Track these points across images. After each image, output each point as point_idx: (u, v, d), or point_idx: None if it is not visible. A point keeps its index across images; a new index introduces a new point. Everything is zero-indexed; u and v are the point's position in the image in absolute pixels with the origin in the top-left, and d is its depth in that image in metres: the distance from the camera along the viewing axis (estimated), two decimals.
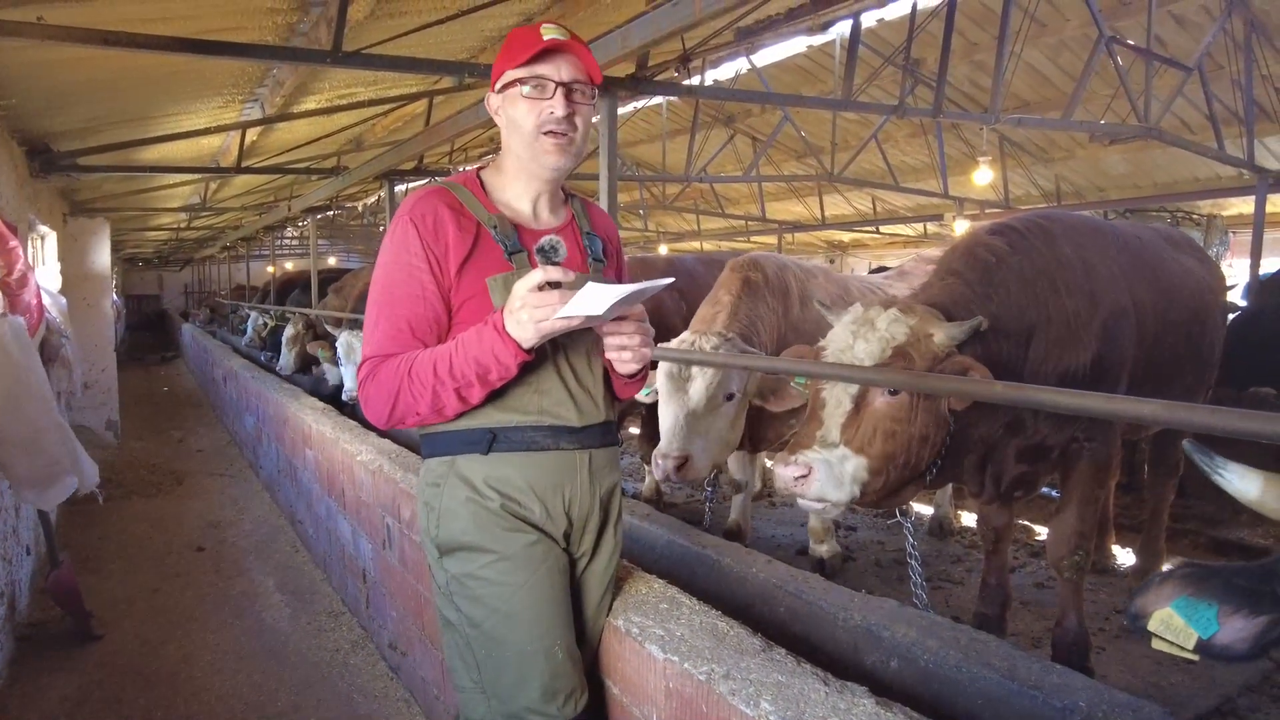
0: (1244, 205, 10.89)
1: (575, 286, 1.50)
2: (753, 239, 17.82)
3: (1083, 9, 6.70)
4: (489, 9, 4.34)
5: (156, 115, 6.06)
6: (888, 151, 11.20)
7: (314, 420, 4.74)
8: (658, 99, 11.42)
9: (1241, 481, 1.26)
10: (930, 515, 5.11)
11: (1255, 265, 7.85)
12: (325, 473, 4.44)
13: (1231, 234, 11.78)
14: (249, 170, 7.72)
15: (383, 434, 3.84)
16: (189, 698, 3.34)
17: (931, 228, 14.68)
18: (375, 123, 7.96)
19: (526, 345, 1.54)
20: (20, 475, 3.29)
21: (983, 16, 8.65)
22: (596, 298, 1.45)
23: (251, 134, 6.96)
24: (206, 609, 4.25)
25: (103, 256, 8.38)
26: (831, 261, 18.62)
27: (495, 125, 1.80)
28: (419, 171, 7.67)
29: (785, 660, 1.68)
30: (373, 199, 16.29)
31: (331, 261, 22.08)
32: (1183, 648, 1.19)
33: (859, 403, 2.46)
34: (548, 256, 1.78)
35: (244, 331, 12.69)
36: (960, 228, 11.35)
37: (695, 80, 7.90)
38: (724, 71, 10.51)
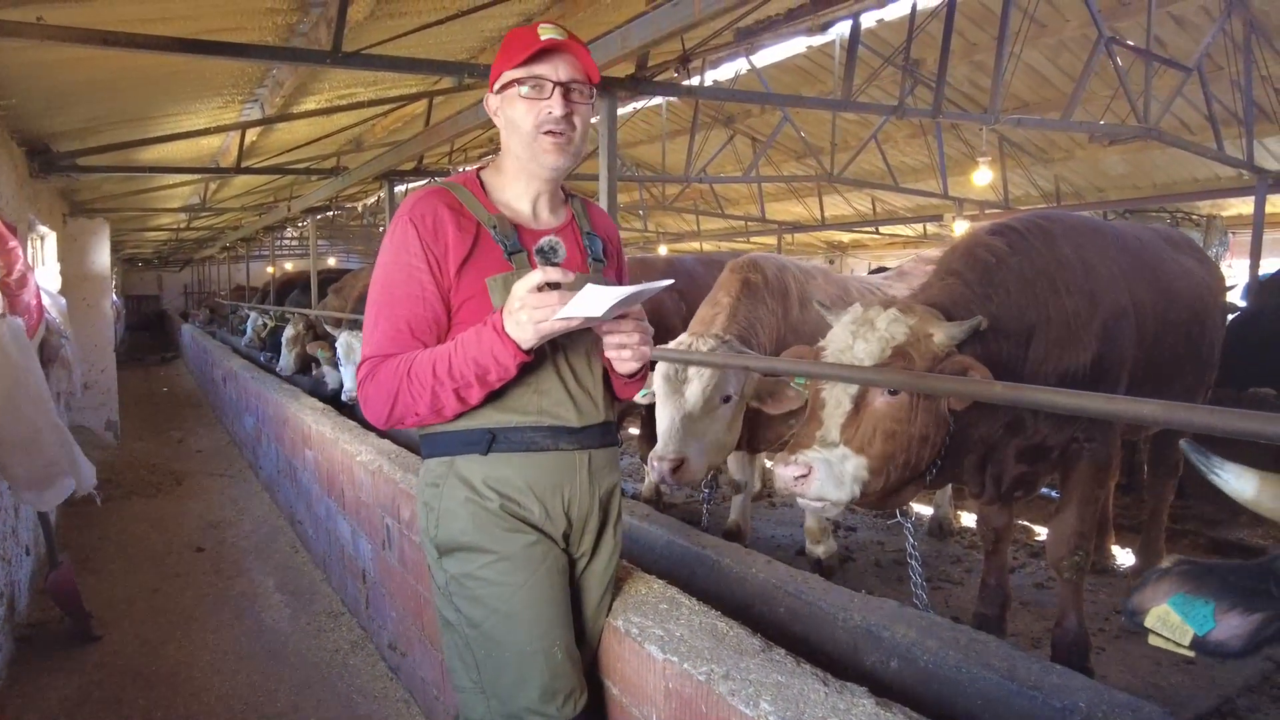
0: (1243, 206, 10.90)
1: (574, 287, 1.50)
2: (752, 239, 17.83)
3: (1082, 9, 6.70)
4: (489, 9, 4.34)
5: (156, 115, 6.06)
6: (887, 152, 11.20)
7: (313, 420, 4.74)
8: (657, 99, 11.43)
9: (1237, 481, 1.26)
10: (930, 516, 5.11)
11: (1255, 266, 7.85)
12: (325, 473, 4.44)
13: (1231, 234, 11.79)
14: (249, 171, 7.72)
15: (382, 434, 3.84)
16: (188, 698, 3.34)
17: (931, 228, 14.69)
18: (375, 123, 7.97)
19: (525, 346, 1.54)
20: (18, 476, 3.29)
21: (982, 17, 8.65)
22: (596, 299, 1.44)
23: (251, 134, 6.97)
24: (206, 609, 4.25)
25: (102, 257, 8.38)
26: (831, 262, 18.64)
27: (495, 126, 1.80)
28: (419, 172, 7.67)
29: (785, 660, 1.68)
30: (372, 199, 16.31)
31: (331, 262, 22.08)
32: (1179, 644, 1.20)
33: (859, 403, 2.47)
34: (547, 257, 1.77)
35: (243, 332, 12.69)
36: (960, 228, 11.36)
37: (695, 81, 7.90)
38: (724, 72, 10.51)
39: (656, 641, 1.78)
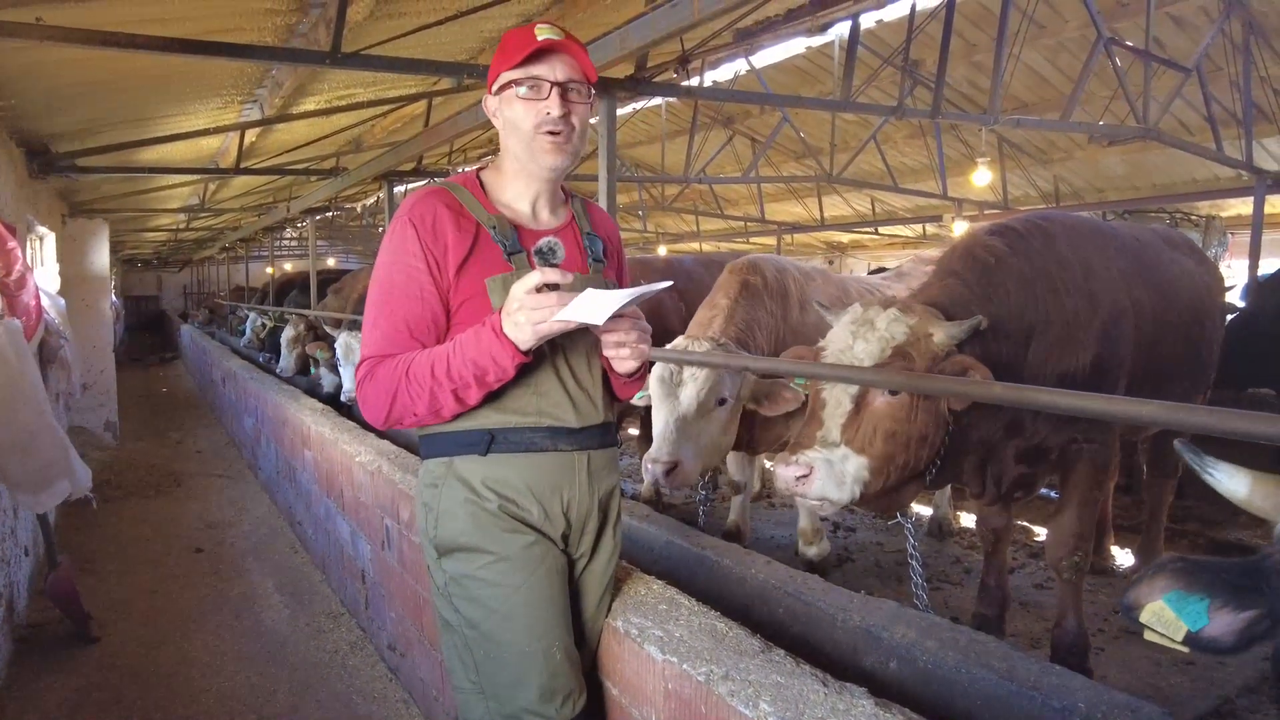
0: (1242, 206, 10.91)
1: (574, 288, 1.50)
2: (752, 240, 17.84)
3: (1081, 10, 6.71)
4: (488, 10, 4.34)
5: (155, 116, 6.06)
6: (886, 152, 11.21)
7: (313, 421, 4.74)
8: (657, 100, 11.42)
9: (1230, 481, 1.28)
10: (929, 516, 5.11)
11: (1254, 266, 7.86)
12: (324, 474, 4.44)
13: (1230, 235, 11.79)
14: (248, 171, 7.73)
15: (381, 435, 3.84)
16: (188, 699, 3.34)
17: (930, 229, 14.71)
18: (374, 124, 7.97)
19: (524, 347, 1.54)
20: (14, 478, 3.28)
21: (981, 18, 8.65)
22: (595, 302, 1.44)
23: (250, 135, 6.97)
24: (205, 610, 4.25)
25: (101, 257, 8.38)
26: (830, 262, 18.68)
27: (494, 126, 1.80)
28: (418, 172, 7.68)
29: (784, 661, 1.68)
30: (372, 200, 16.29)
31: (330, 262, 22.06)
32: (1172, 639, 1.21)
33: (859, 403, 2.47)
34: (545, 258, 1.77)
35: (242, 333, 12.69)
36: (959, 229, 11.37)
37: (694, 81, 7.90)
38: (723, 72, 10.50)
39: (656, 642, 1.77)
